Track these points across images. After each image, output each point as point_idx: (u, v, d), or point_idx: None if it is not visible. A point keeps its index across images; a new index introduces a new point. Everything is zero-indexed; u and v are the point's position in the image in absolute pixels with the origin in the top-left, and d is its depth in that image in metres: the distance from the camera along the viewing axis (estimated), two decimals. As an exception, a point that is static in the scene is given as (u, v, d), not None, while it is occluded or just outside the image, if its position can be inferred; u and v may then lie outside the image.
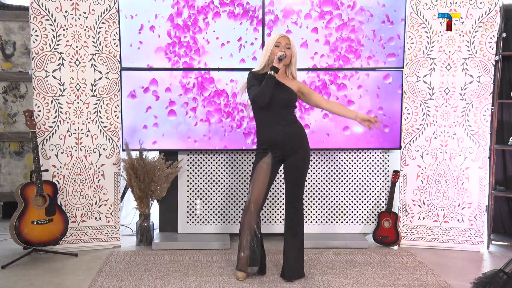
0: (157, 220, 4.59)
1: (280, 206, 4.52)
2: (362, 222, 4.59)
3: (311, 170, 4.54)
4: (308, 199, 4.56)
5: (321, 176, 4.56)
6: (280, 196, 4.51)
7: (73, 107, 4.18)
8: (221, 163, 4.51)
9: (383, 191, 4.57)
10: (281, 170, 3.62)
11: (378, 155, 4.56)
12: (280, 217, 4.54)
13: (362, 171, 4.56)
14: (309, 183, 4.55)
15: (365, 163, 4.56)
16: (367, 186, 4.57)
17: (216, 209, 4.54)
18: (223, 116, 4.34)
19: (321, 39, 4.31)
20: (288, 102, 3.47)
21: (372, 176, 4.57)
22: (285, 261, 3.54)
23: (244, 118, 4.34)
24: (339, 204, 4.58)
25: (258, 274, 3.55)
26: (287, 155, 3.48)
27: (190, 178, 4.51)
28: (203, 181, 4.51)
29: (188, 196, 4.51)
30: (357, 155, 4.56)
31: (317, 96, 3.63)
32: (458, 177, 4.32)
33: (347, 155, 4.56)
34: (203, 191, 4.52)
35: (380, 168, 4.57)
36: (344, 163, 4.56)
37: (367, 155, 4.56)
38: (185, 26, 4.24)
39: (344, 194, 4.58)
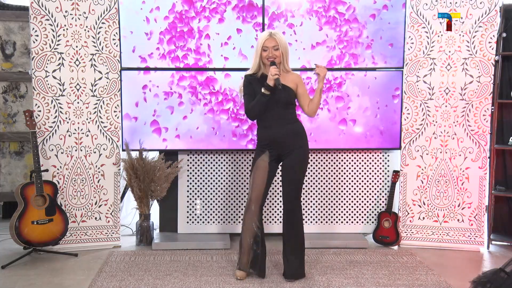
0: (157, 220, 4.59)
1: (280, 206, 4.52)
2: (362, 222, 4.59)
3: (311, 170, 4.54)
4: (308, 199, 4.56)
5: (322, 176, 4.56)
6: (279, 196, 4.50)
7: (73, 107, 4.18)
8: (221, 163, 4.51)
9: (383, 191, 4.57)
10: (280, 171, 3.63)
11: (378, 155, 4.56)
12: (279, 217, 4.54)
13: (362, 171, 4.56)
14: (309, 183, 4.55)
15: (365, 163, 4.56)
16: (367, 186, 4.57)
17: (216, 209, 4.54)
18: (224, 115, 4.34)
19: (322, 38, 4.32)
20: (286, 102, 3.46)
21: (372, 176, 4.57)
22: (284, 261, 3.54)
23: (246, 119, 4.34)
24: (339, 204, 4.58)
25: (257, 277, 3.53)
26: (284, 154, 3.47)
27: (190, 178, 4.51)
28: (203, 181, 4.51)
29: (188, 196, 4.51)
30: (357, 155, 4.56)
31: (305, 100, 3.53)
32: (458, 177, 4.32)
33: (347, 155, 4.55)
34: (203, 191, 4.52)
35: (380, 168, 4.56)
36: (344, 163, 4.56)
37: (367, 155, 4.55)
38: (189, 29, 4.25)
39: (344, 194, 4.58)
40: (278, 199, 4.54)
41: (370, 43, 4.32)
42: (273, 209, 4.55)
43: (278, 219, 4.55)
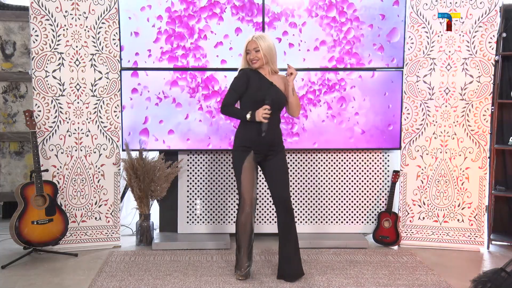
0: (157, 220, 4.59)
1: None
2: (362, 222, 4.59)
3: (312, 170, 4.54)
4: (308, 199, 4.56)
5: (322, 176, 4.56)
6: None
7: (73, 107, 4.18)
8: (221, 163, 4.51)
9: (383, 191, 4.57)
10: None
11: (378, 155, 4.56)
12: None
13: (362, 171, 4.56)
14: (309, 183, 4.55)
15: (365, 163, 4.56)
16: (367, 186, 4.57)
17: (216, 209, 4.54)
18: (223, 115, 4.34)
19: (321, 38, 4.32)
20: (279, 105, 3.48)
21: (372, 176, 4.57)
22: (283, 263, 3.53)
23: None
24: (339, 204, 4.58)
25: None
26: (269, 156, 3.49)
27: (190, 178, 4.51)
28: (203, 181, 4.51)
29: (188, 196, 4.51)
30: (357, 155, 4.56)
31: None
32: (458, 177, 4.32)
33: (347, 155, 4.55)
34: (203, 191, 4.53)
35: (380, 168, 4.57)
36: (345, 163, 4.56)
37: (367, 155, 4.56)
38: (190, 30, 4.25)
39: (344, 194, 4.58)
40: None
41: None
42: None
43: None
